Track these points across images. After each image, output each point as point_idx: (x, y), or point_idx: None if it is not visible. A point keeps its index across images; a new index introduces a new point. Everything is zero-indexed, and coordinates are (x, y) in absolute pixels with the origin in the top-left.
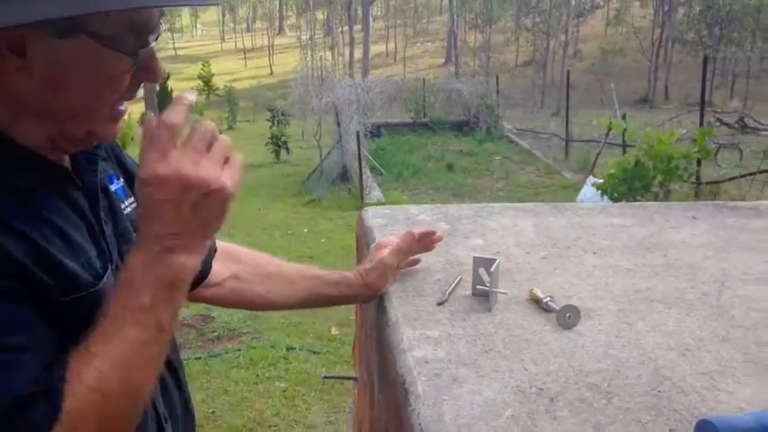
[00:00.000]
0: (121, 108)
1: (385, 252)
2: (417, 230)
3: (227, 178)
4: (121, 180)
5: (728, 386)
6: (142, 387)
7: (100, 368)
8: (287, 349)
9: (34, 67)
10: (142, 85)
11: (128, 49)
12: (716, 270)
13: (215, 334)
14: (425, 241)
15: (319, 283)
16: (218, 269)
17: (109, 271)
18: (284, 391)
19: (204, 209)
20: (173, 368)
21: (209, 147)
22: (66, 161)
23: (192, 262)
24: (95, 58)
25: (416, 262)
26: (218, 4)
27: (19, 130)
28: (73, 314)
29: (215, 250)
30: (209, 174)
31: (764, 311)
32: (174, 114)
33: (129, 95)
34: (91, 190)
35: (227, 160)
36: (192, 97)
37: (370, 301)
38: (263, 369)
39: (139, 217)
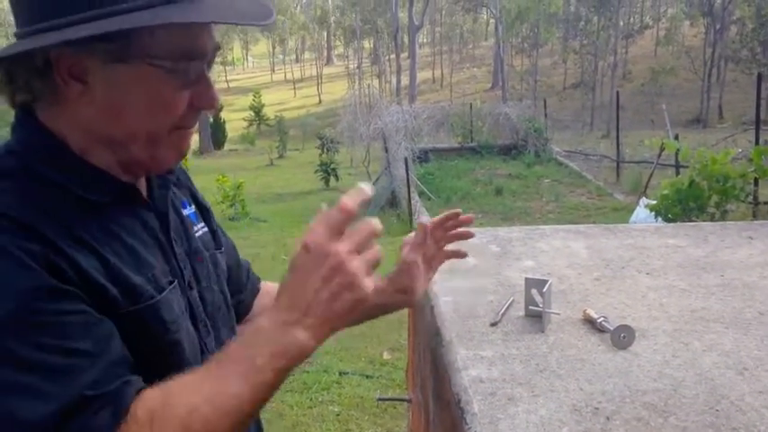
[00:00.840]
0: (185, 137)
1: (405, 250)
2: (431, 221)
3: (369, 284)
4: (193, 206)
5: None
6: None
7: (193, 403)
8: (340, 374)
9: (95, 92)
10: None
11: (182, 74)
12: None
13: None
14: (448, 227)
15: None
16: (256, 309)
17: (174, 285)
18: (338, 415)
19: (340, 300)
20: None
21: (365, 246)
22: (142, 185)
23: (310, 345)
24: (152, 82)
25: (460, 255)
26: (268, 24)
27: (93, 154)
28: (134, 326)
29: (258, 290)
30: (359, 271)
31: None
32: (353, 203)
33: (189, 124)
34: (161, 212)
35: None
36: (369, 191)
37: (409, 305)
38: (316, 393)
39: (283, 279)
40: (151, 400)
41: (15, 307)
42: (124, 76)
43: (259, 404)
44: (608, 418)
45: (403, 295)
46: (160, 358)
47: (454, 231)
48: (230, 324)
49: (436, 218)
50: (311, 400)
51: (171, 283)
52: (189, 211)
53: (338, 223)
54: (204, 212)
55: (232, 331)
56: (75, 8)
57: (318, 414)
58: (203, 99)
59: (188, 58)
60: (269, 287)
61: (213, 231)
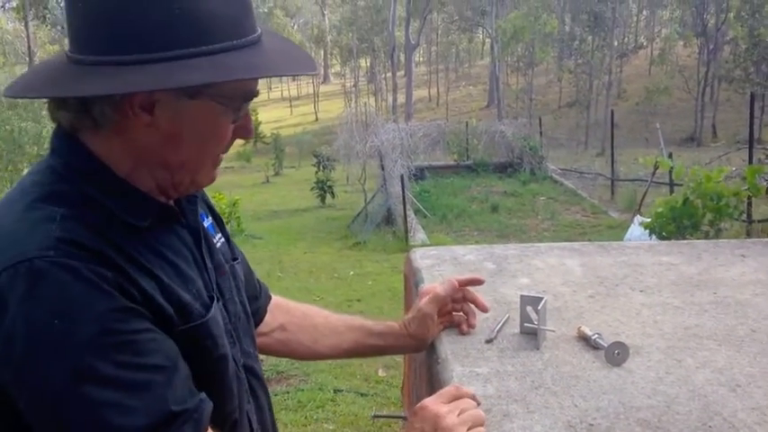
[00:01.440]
0: (219, 163)
1: (424, 300)
2: (460, 278)
3: None
4: (210, 218)
5: None
6: None
7: None
8: (334, 391)
9: (160, 123)
10: None
11: (237, 110)
12: (766, 307)
13: (264, 376)
14: (469, 284)
15: (365, 334)
16: (268, 319)
17: (215, 300)
18: None
19: None
20: (265, 390)
21: (464, 411)
22: (171, 201)
23: None
24: (212, 117)
25: (483, 307)
26: (317, 73)
27: (135, 178)
28: (188, 344)
29: (269, 297)
30: (455, 426)
31: None
32: (466, 391)
33: (226, 150)
34: (193, 228)
35: (472, 427)
36: (472, 393)
37: (418, 351)
38: (311, 411)
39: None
40: None
41: (95, 330)
42: (190, 110)
43: None
44: None
45: (412, 340)
46: (209, 374)
47: (471, 297)
48: (251, 333)
49: (463, 278)
50: (306, 417)
51: (211, 298)
52: (208, 222)
53: (448, 395)
54: (219, 222)
55: (252, 340)
56: (160, 46)
57: None
58: (245, 130)
59: (246, 98)
60: (284, 303)
61: (228, 241)
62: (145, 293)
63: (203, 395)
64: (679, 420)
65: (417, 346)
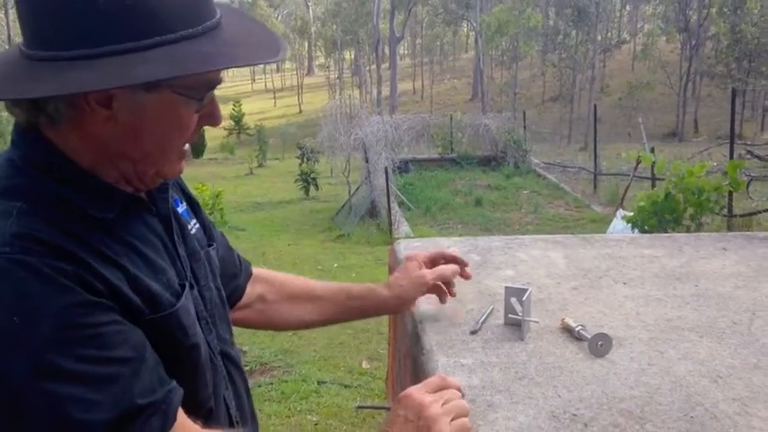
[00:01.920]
0: (186, 152)
1: (414, 263)
2: (445, 252)
3: (446, 428)
4: (185, 203)
5: (760, 412)
6: None
7: None
8: (318, 383)
9: (119, 117)
10: None
11: (198, 97)
12: (747, 299)
13: (247, 368)
14: (453, 263)
15: (345, 297)
16: (248, 291)
17: (186, 289)
18: (316, 424)
19: None
20: (242, 375)
21: (449, 401)
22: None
23: None
24: (174, 108)
25: (452, 293)
26: (281, 59)
27: (100, 169)
28: (157, 333)
29: (250, 275)
30: (439, 416)
31: None
32: (452, 382)
33: (193, 138)
34: (164, 215)
35: (456, 417)
36: (458, 385)
37: (399, 311)
38: (294, 403)
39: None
40: None
41: (55, 324)
42: (149, 103)
43: None
44: (585, 425)
45: (397, 300)
46: (179, 362)
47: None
48: (227, 319)
49: (448, 253)
50: (289, 409)
51: (183, 286)
52: (182, 208)
53: (433, 385)
54: (195, 207)
55: (228, 326)
56: (110, 39)
57: (296, 423)
58: (211, 118)
59: (209, 87)
60: (263, 273)
61: (204, 226)
62: (110, 285)
63: (173, 384)
64: (661, 411)
65: (401, 306)
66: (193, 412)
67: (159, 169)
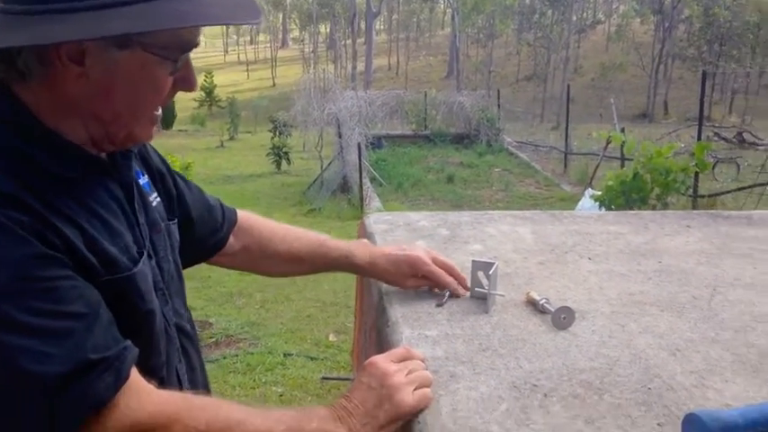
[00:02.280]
0: (158, 113)
1: (423, 260)
2: (445, 261)
3: (409, 397)
4: (146, 176)
5: (716, 384)
6: None
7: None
8: (284, 355)
9: (91, 74)
10: None
11: (172, 58)
12: (708, 276)
13: (213, 340)
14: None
15: (323, 263)
16: (231, 242)
17: (144, 256)
18: (281, 395)
19: (382, 409)
20: (197, 350)
21: (412, 372)
22: (104, 156)
23: None
24: (146, 67)
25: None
26: (258, 23)
27: (66, 129)
28: (112, 296)
29: (233, 223)
30: (402, 385)
31: (753, 315)
32: (416, 353)
33: (166, 104)
34: (126, 183)
35: (419, 387)
36: (422, 357)
37: (368, 276)
38: (260, 374)
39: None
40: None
41: (10, 275)
42: (122, 61)
43: None
44: (545, 395)
45: (372, 269)
46: (134, 328)
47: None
48: (183, 294)
49: (446, 261)
50: (254, 380)
51: (141, 254)
52: (143, 180)
53: (398, 355)
54: (160, 178)
55: (184, 301)
56: None
57: (261, 394)
58: (186, 82)
59: (184, 49)
60: (249, 223)
61: (170, 199)
62: (67, 241)
63: (128, 342)
64: (620, 382)
65: (372, 276)
66: (144, 379)
67: (130, 131)
